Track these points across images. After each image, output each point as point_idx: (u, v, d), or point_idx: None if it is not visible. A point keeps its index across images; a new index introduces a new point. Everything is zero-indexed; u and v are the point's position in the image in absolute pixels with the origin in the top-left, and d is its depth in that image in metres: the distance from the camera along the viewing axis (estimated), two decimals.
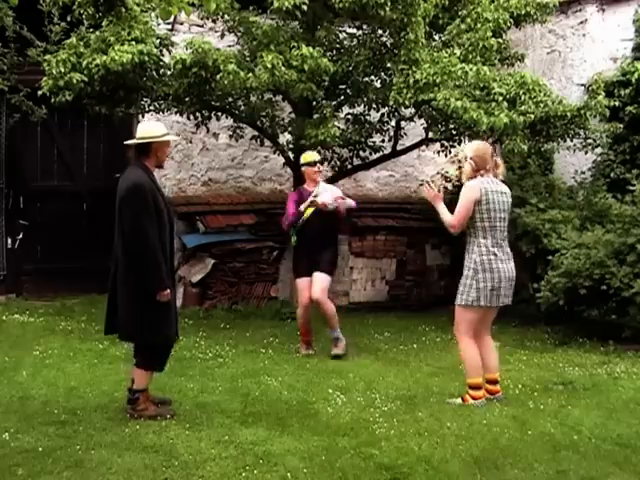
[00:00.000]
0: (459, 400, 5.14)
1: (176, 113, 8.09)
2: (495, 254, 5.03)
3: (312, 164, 6.81)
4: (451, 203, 5.20)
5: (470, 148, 5.25)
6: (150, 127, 4.84)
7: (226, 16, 7.87)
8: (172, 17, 7.37)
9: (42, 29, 8.36)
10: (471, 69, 7.14)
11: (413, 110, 8.02)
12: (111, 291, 4.73)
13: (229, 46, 8.04)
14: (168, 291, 4.60)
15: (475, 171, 5.07)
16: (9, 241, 9.26)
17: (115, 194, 4.73)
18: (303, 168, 6.87)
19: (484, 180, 5.05)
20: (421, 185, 10.88)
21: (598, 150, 8.91)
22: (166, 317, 4.69)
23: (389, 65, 7.80)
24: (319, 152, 8.21)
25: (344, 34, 8.19)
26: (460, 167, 9.49)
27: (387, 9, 6.90)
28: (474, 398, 5.08)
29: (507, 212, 5.15)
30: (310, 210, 6.67)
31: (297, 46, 6.98)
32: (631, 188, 7.74)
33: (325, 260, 6.68)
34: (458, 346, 5.27)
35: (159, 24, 7.76)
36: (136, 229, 4.55)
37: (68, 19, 7.45)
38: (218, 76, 6.91)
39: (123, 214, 4.60)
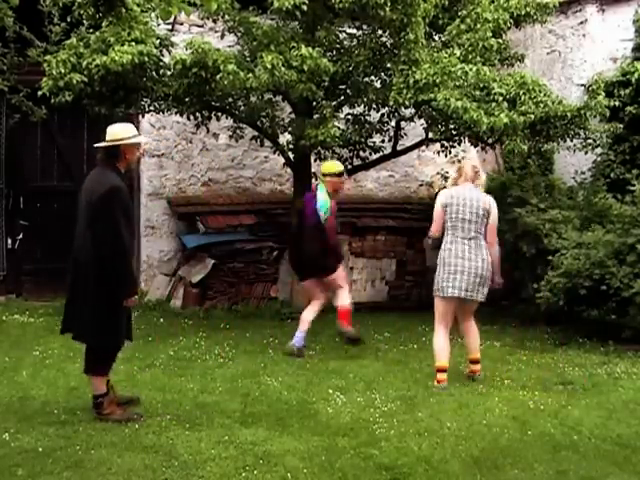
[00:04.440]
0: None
1: (176, 113, 8.08)
2: (450, 250, 5.66)
3: (339, 174, 6.71)
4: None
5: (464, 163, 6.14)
6: (119, 129, 4.78)
7: (226, 16, 7.86)
8: (172, 17, 7.36)
9: (42, 29, 8.35)
10: (471, 69, 7.14)
11: (413, 110, 8.01)
12: (72, 294, 4.67)
13: (229, 46, 8.03)
14: (136, 297, 4.58)
15: (455, 179, 5.88)
16: (9, 241, 9.25)
17: None
18: (328, 178, 6.64)
19: (455, 187, 5.76)
20: (421, 185, 10.90)
21: (598, 150, 8.89)
22: (123, 320, 4.70)
23: (389, 65, 7.79)
24: (319, 152, 8.23)
25: (344, 34, 8.18)
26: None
27: (387, 9, 6.89)
28: (438, 381, 5.62)
29: (475, 215, 5.62)
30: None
31: (297, 46, 6.97)
32: (631, 188, 7.74)
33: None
34: None
35: (159, 24, 7.74)
36: (114, 233, 4.49)
37: (68, 19, 7.44)
38: (218, 76, 6.90)
39: (100, 217, 4.52)
